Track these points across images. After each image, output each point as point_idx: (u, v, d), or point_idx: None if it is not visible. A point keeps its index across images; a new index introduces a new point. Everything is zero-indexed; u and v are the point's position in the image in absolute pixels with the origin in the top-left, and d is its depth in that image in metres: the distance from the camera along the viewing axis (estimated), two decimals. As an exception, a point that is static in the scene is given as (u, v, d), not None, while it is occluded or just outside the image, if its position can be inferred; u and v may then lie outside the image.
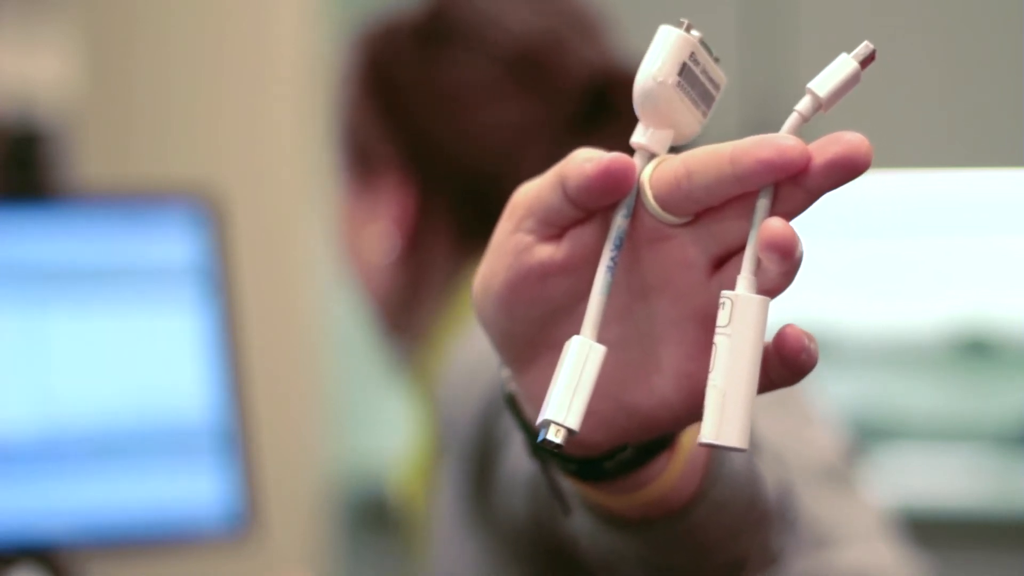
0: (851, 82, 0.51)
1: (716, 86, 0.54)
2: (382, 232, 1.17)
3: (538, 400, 0.53)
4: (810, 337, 0.51)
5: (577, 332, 0.53)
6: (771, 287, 0.51)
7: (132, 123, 2.41)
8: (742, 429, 0.50)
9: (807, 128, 0.52)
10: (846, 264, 2.80)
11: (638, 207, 0.53)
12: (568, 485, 0.62)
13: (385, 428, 2.21)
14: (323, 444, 2.47)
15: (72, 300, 1.42)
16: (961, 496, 2.52)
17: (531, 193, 0.54)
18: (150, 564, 1.79)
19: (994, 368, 2.75)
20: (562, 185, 0.52)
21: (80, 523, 1.40)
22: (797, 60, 2.37)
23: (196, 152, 2.39)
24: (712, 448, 0.50)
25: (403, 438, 1.36)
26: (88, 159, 2.41)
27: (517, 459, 0.80)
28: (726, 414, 0.50)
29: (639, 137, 0.53)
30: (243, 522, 1.45)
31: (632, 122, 0.54)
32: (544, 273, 0.54)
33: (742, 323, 0.50)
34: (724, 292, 0.51)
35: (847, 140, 0.49)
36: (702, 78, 0.53)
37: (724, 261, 0.53)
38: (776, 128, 0.51)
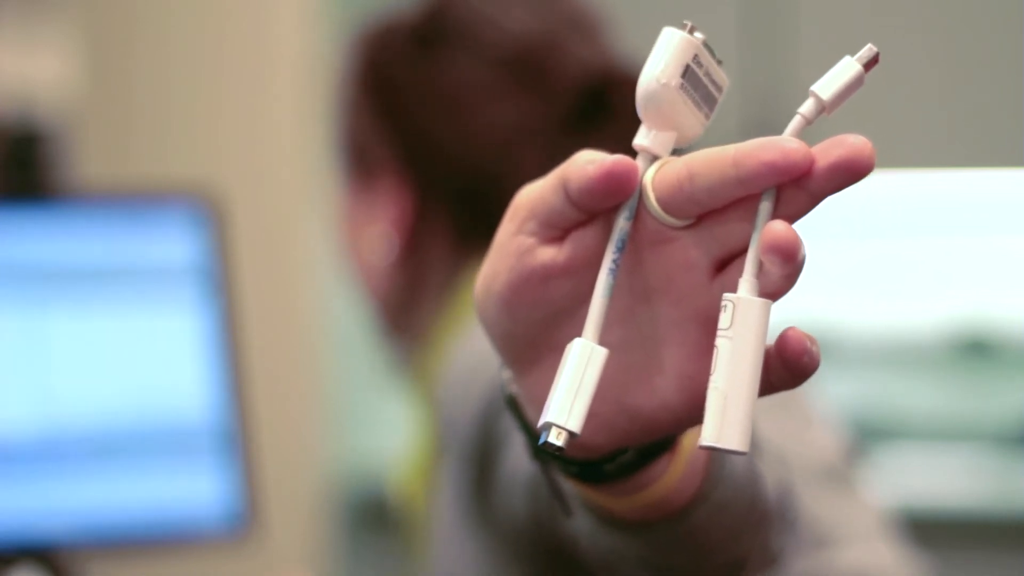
0: (855, 85, 0.51)
1: (719, 88, 0.54)
2: (381, 233, 1.17)
3: (539, 402, 0.53)
4: (812, 340, 0.51)
5: (579, 334, 0.53)
6: (773, 290, 0.51)
7: (132, 123, 2.41)
8: (743, 432, 0.50)
9: (809, 129, 0.52)
10: (846, 264, 2.80)
11: (640, 209, 0.53)
12: (569, 487, 0.62)
13: (385, 428, 2.21)
14: (323, 444, 2.47)
15: (72, 300, 1.42)
16: (961, 496, 2.52)
17: (533, 195, 0.54)
18: (150, 564, 1.79)
19: (994, 368, 2.75)
20: (564, 187, 0.52)
21: (80, 523, 1.40)
22: (797, 60, 2.37)
23: (196, 152, 2.39)
24: (713, 451, 0.50)
25: (403, 438, 1.36)
26: (88, 159, 2.41)
27: (517, 459, 0.80)
28: (727, 417, 0.50)
29: (642, 139, 0.53)
30: (243, 522, 1.45)
31: (631, 122, 0.54)
32: (546, 275, 0.54)
33: (744, 326, 0.50)
34: (726, 295, 0.51)
35: (850, 143, 0.49)
36: (705, 80, 0.53)
37: (726, 263, 0.53)
38: (777, 128, 0.51)
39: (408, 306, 1.18)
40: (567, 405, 0.51)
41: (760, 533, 0.64)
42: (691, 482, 0.60)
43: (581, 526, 0.64)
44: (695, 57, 0.53)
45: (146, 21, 2.42)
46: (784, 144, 0.49)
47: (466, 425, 0.92)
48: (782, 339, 0.51)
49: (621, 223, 0.53)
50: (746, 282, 0.51)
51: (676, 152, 0.53)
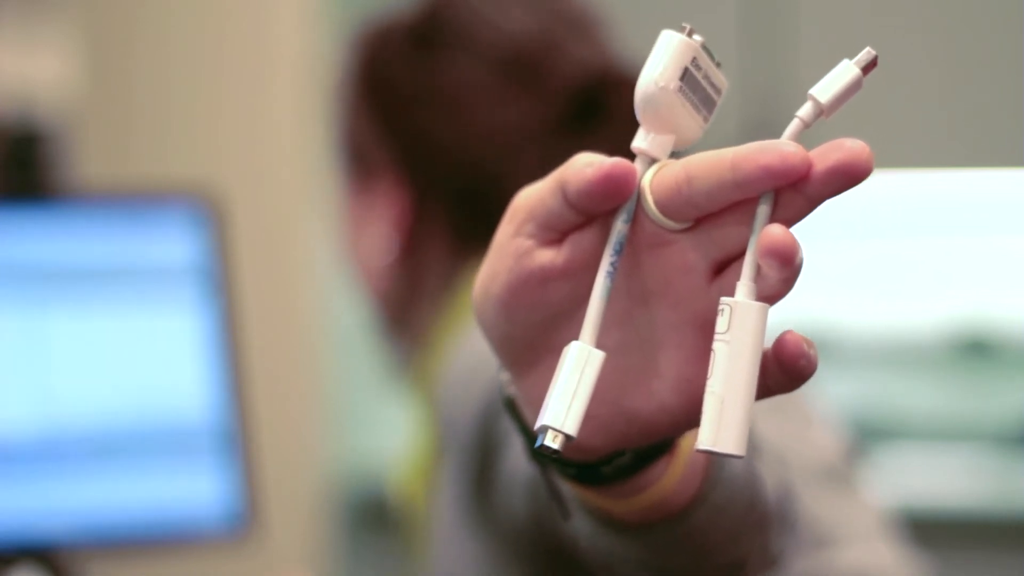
0: (853, 88, 0.51)
1: (718, 91, 0.54)
2: (381, 233, 1.17)
3: (537, 404, 0.53)
4: (809, 343, 0.51)
5: (577, 336, 0.52)
6: (771, 293, 0.51)
7: (132, 123, 2.41)
8: (740, 436, 0.50)
9: (810, 130, 0.52)
10: (846, 264, 2.80)
11: (638, 212, 0.53)
12: (567, 489, 0.62)
13: (385, 428, 2.21)
14: (323, 444, 2.47)
15: (72, 300, 1.42)
16: (961, 496, 2.52)
17: (532, 197, 0.54)
18: (150, 564, 1.79)
19: (994, 368, 2.75)
20: (563, 190, 0.52)
21: (80, 523, 1.40)
22: (797, 61, 2.37)
23: (196, 152, 2.39)
24: (710, 455, 0.50)
25: (403, 438, 1.36)
26: (88, 159, 2.41)
27: (517, 459, 0.80)
28: (724, 421, 0.50)
29: (640, 142, 0.53)
30: (243, 522, 1.45)
31: (629, 122, 0.54)
32: (544, 277, 0.54)
33: (741, 330, 0.50)
34: (723, 299, 0.51)
35: (848, 147, 0.49)
36: (704, 83, 0.53)
37: (724, 267, 0.53)
38: (776, 130, 0.51)
39: (408, 306, 1.18)
40: (564, 408, 0.51)
41: (759, 534, 0.64)
42: (690, 484, 0.60)
43: (580, 527, 0.64)
44: (694, 60, 0.53)
45: (146, 21, 2.42)
46: (782, 148, 0.49)
47: (466, 425, 0.92)
48: (779, 342, 0.51)
49: (619, 226, 0.53)
50: (743, 286, 0.51)
51: (674, 155, 0.53)
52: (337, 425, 2.54)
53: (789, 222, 0.50)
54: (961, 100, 2.37)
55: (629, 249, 0.54)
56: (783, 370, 0.51)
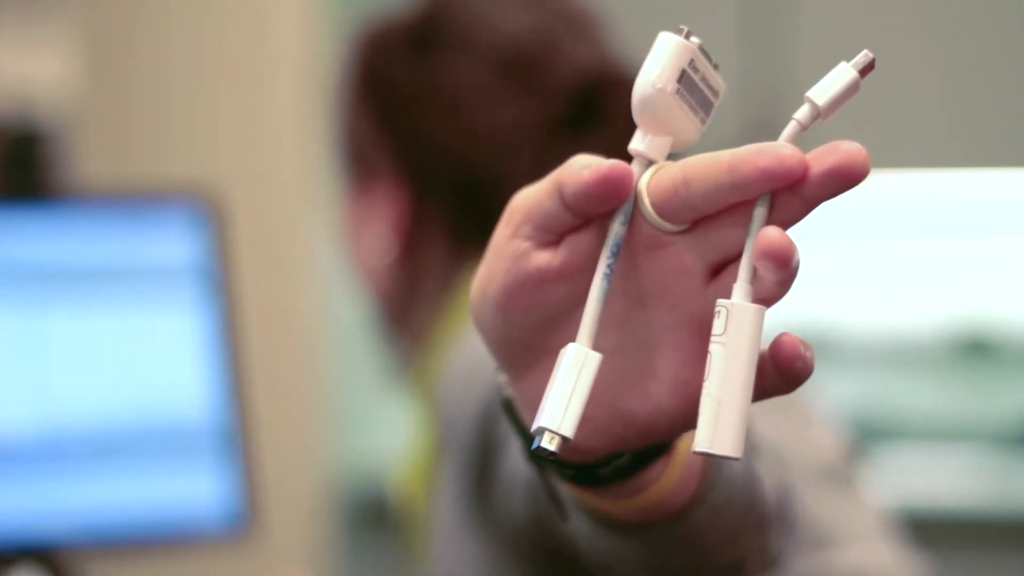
0: (850, 91, 0.51)
1: (715, 93, 0.54)
2: (380, 234, 1.17)
3: (535, 405, 0.54)
4: (806, 345, 0.51)
5: (574, 338, 0.53)
6: (767, 296, 0.51)
7: (132, 123, 2.41)
8: (736, 438, 0.50)
9: (807, 132, 0.52)
10: (846, 265, 2.80)
11: (635, 214, 0.53)
12: (565, 490, 0.62)
13: (385, 428, 2.21)
14: (323, 444, 2.47)
15: (72, 300, 1.42)
16: (961, 496, 2.52)
17: (529, 199, 0.54)
18: (150, 564, 1.79)
19: (994, 368, 2.75)
20: (559, 191, 0.52)
21: (80, 523, 1.40)
22: (797, 61, 2.37)
23: (196, 152, 2.39)
24: (706, 457, 0.50)
25: (403, 438, 1.36)
26: (88, 159, 2.41)
27: (517, 459, 0.80)
28: (720, 423, 0.50)
29: (637, 144, 0.53)
30: (243, 522, 1.45)
31: (629, 123, 0.54)
32: (541, 279, 0.54)
33: (737, 332, 0.50)
34: (720, 300, 0.51)
35: (844, 150, 0.49)
36: (701, 85, 0.53)
37: (721, 269, 0.53)
38: (776, 131, 0.51)
39: (408, 306, 1.18)
40: (560, 410, 0.51)
41: (758, 535, 0.64)
42: (688, 485, 0.60)
43: (579, 528, 0.64)
44: (691, 62, 0.53)
45: (146, 21, 2.42)
46: (779, 150, 0.49)
47: (466, 425, 0.92)
48: (776, 344, 0.51)
49: (616, 228, 0.53)
50: (740, 288, 0.51)
51: (672, 157, 0.53)
52: (337, 425, 2.54)
53: (786, 224, 0.50)
54: (961, 100, 2.37)
55: (626, 251, 0.54)
56: (779, 372, 0.51)
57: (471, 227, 1.12)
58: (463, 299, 1.12)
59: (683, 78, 0.53)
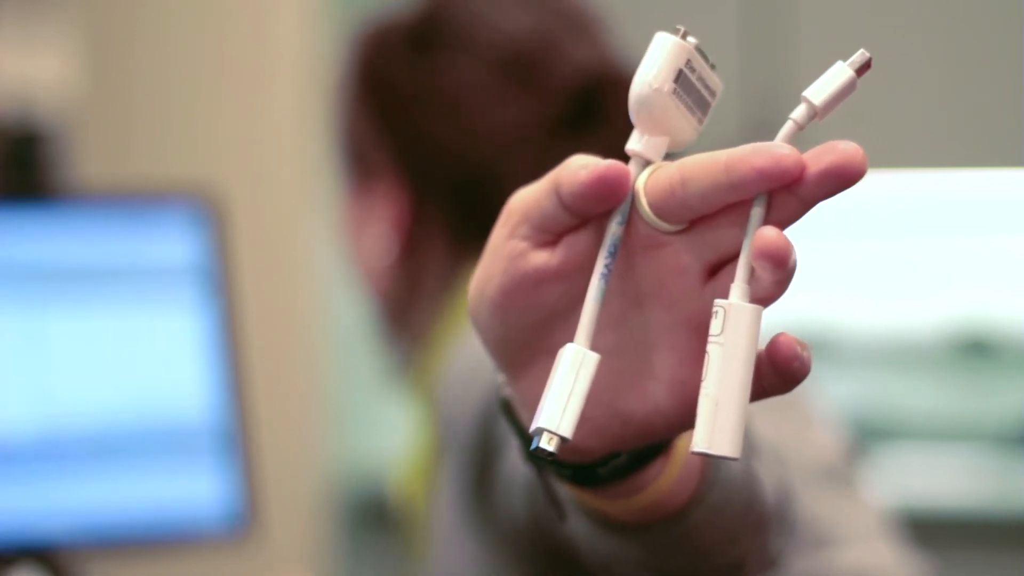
0: (847, 90, 0.51)
1: (712, 93, 0.54)
2: (380, 234, 1.17)
3: (533, 405, 0.54)
4: (803, 345, 0.51)
5: (572, 338, 0.53)
6: (764, 295, 0.51)
7: (132, 123, 2.41)
8: (734, 438, 0.50)
9: (810, 128, 0.52)
10: (846, 264, 2.80)
11: (633, 214, 0.53)
12: (564, 490, 0.62)
13: (385, 428, 2.21)
14: (323, 444, 2.47)
15: (72, 300, 1.43)
16: (961, 496, 2.52)
17: (526, 199, 0.54)
18: (150, 564, 1.80)
19: (994, 368, 2.75)
20: (557, 191, 0.52)
21: (80, 523, 1.40)
22: (797, 61, 2.37)
23: (196, 152, 2.39)
24: (704, 457, 0.50)
25: (403, 438, 1.36)
26: (88, 159, 2.41)
27: (516, 460, 0.80)
28: (718, 423, 0.50)
29: (634, 144, 0.53)
30: (243, 522, 1.45)
31: (628, 123, 0.54)
32: (539, 279, 0.54)
33: (735, 332, 0.50)
34: (717, 301, 0.51)
35: (841, 149, 0.49)
36: (698, 85, 0.53)
37: (718, 269, 0.53)
38: (776, 130, 0.51)
39: (408, 306, 1.18)
40: (558, 410, 0.51)
41: (758, 535, 0.64)
42: (686, 485, 0.60)
43: (578, 528, 0.64)
44: (688, 62, 0.53)
45: (146, 21, 2.42)
46: (776, 150, 0.49)
47: (466, 425, 0.92)
48: (773, 344, 0.51)
49: (613, 228, 0.53)
50: (737, 288, 0.51)
51: (669, 157, 0.53)
52: (337, 425, 2.54)
53: (783, 224, 0.50)
54: (961, 100, 2.37)
55: (623, 251, 0.54)
56: (777, 372, 0.51)
57: (471, 227, 1.12)
58: (463, 299, 1.12)
59: (680, 78, 0.53)
